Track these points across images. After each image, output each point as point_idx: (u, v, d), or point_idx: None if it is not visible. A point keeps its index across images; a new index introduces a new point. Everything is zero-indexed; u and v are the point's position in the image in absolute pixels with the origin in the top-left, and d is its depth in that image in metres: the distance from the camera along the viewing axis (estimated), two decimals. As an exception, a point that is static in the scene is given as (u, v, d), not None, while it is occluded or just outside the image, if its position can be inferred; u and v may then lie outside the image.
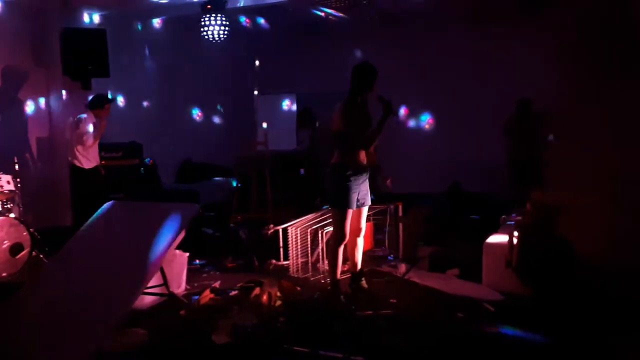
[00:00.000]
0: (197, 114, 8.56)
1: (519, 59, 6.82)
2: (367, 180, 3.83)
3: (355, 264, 3.96)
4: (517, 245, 3.65)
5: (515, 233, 3.78)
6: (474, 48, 7.22)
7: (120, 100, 7.45)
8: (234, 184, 6.92)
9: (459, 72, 7.35)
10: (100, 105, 5.26)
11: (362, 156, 3.75)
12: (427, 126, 8.05)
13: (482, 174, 7.03)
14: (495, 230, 4.36)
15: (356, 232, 3.89)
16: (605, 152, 3.59)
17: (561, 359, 2.99)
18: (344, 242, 3.78)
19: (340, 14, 7.30)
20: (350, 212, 3.72)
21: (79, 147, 5.15)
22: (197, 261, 4.82)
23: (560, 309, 3.39)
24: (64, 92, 6.25)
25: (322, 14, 7.31)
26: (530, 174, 5.99)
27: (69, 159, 5.27)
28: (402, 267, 4.57)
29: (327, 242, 3.87)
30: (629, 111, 3.54)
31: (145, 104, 7.88)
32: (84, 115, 5.19)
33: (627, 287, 3.34)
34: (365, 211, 3.91)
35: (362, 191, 3.77)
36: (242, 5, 6.99)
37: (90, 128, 5.15)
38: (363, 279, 3.98)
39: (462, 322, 3.47)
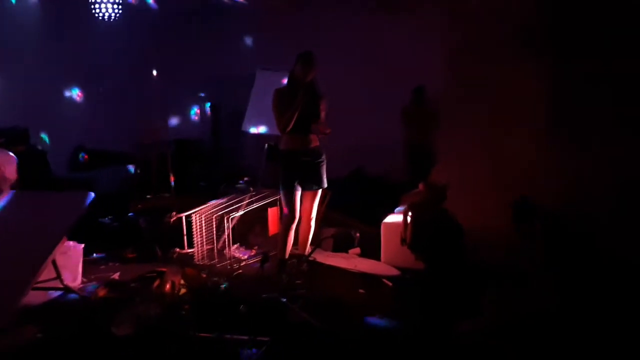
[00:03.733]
0: (83, 96, 7.92)
1: (417, 45, 7.14)
2: (319, 165, 3.88)
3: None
4: (410, 223, 3.93)
5: (409, 212, 4.04)
6: (373, 34, 7.43)
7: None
8: (133, 170, 6.60)
9: (359, 58, 7.53)
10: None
11: (300, 140, 3.81)
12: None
13: (384, 158, 7.35)
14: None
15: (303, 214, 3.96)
16: (485, 137, 3.98)
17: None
18: (292, 223, 3.88)
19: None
20: (294, 194, 3.80)
21: None
22: (95, 253, 4.58)
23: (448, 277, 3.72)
24: None
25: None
26: (425, 158, 6.39)
27: None
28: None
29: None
30: (504, 100, 3.94)
31: (26, 85, 7.16)
32: None
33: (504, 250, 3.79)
34: (315, 195, 3.96)
35: (307, 174, 3.84)
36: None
37: None
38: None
39: (364, 297, 3.68)
